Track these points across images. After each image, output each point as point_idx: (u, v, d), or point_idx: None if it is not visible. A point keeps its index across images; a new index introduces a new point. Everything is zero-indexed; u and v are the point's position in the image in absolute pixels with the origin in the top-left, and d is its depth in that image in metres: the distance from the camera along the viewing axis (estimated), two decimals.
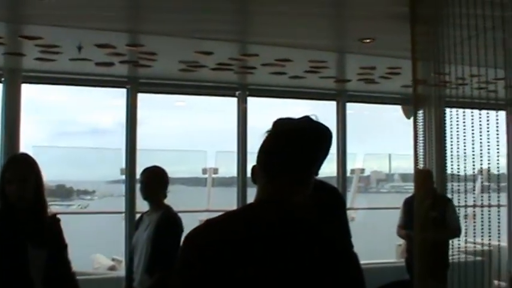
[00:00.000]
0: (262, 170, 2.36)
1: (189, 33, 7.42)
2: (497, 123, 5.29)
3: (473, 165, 5.42)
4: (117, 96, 10.03)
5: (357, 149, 15.46)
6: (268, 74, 9.37)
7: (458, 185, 5.95)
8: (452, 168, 5.94)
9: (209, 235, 2.19)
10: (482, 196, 5.47)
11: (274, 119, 3.46)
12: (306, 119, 3.11)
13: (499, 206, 5.42)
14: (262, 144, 2.42)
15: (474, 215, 5.63)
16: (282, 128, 2.49)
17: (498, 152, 5.41)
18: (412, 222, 7.00)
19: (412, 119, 6.69)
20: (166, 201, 5.95)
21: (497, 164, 5.50)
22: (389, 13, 6.71)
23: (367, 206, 17.27)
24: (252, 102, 10.60)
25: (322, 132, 2.84)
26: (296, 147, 2.37)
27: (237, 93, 10.42)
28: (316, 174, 3.26)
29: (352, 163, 14.12)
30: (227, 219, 2.27)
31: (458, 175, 5.86)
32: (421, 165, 6.64)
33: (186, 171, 19.70)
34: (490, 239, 5.60)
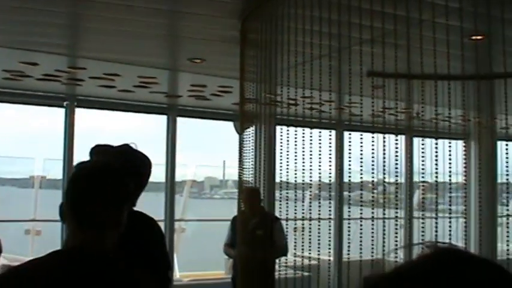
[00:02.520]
0: (69, 211, 2.25)
1: (15, 44, 7.20)
2: (329, 140, 5.48)
3: (303, 179, 5.49)
4: None
5: (190, 158, 15.55)
6: (96, 87, 9.19)
7: (287, 200, 6.05)
8: (281, 184, 6.04)
9: (15, 284, 2.10)
10: (310, 209, 5.57)
11: (95, 144, 3.32)
12: (126, 147, 3.01)
13: (319, 219, 5.51)
14: (71, 180, 2.29)
15: (303, 228, 5.72)
16: (96, 164, 2.40)
17: (319, 168, 5.53)
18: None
19: None
20: None
21: (319, 178, 5.62)
22: (220, 36, 6.85)
23: (200, 213, 17.32)
24: (83, 112, 10.32)
25: (141, 162, 2.75)
26: (109, 185, 2.26)
27: (65, 103, 10.09)
28: (134, 205, 3.16)
29: (185, 171, 14.21)
30: (33, 268, 2.17)
31: (287, 190, 5.96)
32: (246, 179, 6.59)
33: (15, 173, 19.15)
34: (310, 253, 5.68)
